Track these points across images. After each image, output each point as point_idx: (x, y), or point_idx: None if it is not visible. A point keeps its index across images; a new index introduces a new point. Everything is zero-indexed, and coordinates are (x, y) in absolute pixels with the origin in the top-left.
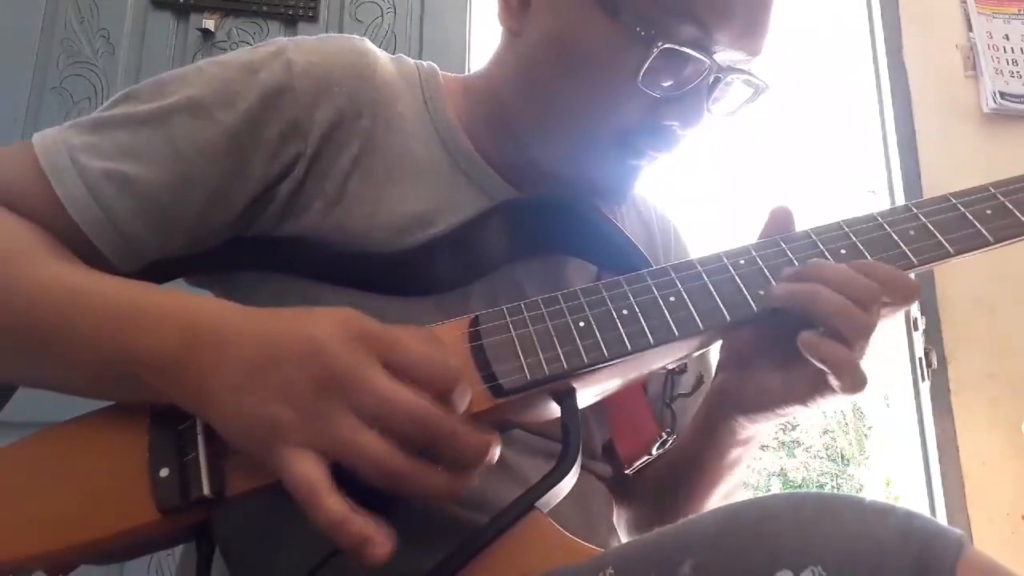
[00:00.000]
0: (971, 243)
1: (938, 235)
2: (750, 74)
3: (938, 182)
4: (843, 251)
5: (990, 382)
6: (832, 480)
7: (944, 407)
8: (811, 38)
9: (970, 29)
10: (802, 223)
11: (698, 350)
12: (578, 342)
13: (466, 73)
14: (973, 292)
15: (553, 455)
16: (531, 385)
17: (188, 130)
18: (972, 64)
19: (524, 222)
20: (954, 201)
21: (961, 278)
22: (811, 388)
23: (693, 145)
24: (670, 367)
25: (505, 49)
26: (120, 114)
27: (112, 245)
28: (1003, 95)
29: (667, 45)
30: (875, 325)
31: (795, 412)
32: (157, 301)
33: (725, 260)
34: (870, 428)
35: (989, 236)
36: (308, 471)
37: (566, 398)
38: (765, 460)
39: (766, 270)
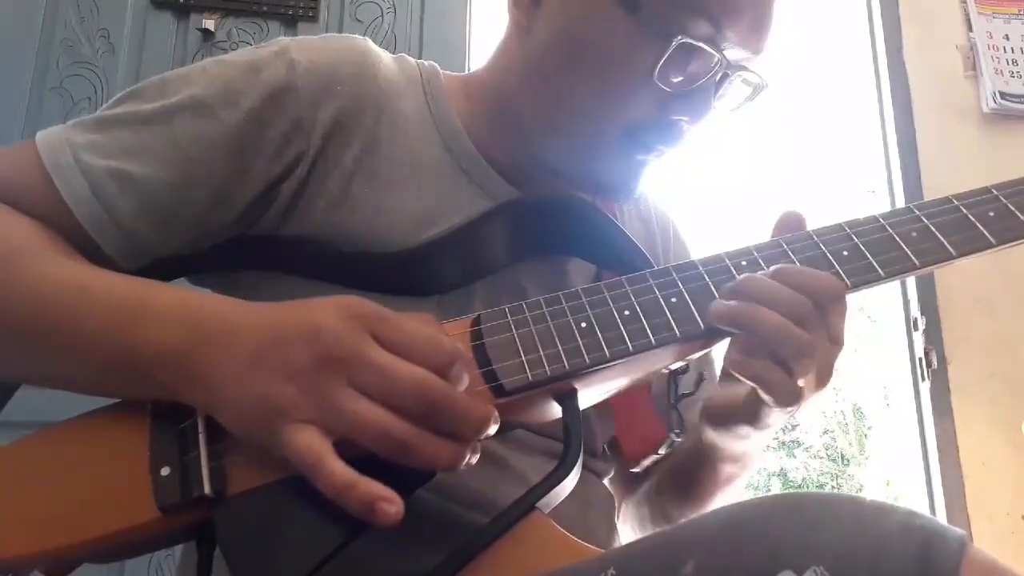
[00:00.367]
0: (974, 245)
1: (941, 237)
2: (755, 72)
3: (938, 182)
4: (845, 252)
5: (990, 382)
6: (832, 480)
7: (944, 407)
8: (811, 38)
9: (970, 29)
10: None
11: (700, 351)
12: (580, 342)
13: (466, 73)
14: (973, 292)
15: (554, 454)
16: (533, 385)
17: (191, 129)
18: (972, 64)
19: (526, 223)
20: (956, 203)
21: (961, 278)
22: (753, 405)
23: (695, 140)
24: (672, 367)
25: (511, 46)
26: (123, 113)
27: (115, 243)
28: (1003, 95)
29: (685, 39)
30: (814, 343)
31: (747, 431)
32: (162, 296)
33: (727, 261)
34: (870, 428)
35: (992, 238)
36: (311, 442)
37: (568, 398)
38: (765, 460)
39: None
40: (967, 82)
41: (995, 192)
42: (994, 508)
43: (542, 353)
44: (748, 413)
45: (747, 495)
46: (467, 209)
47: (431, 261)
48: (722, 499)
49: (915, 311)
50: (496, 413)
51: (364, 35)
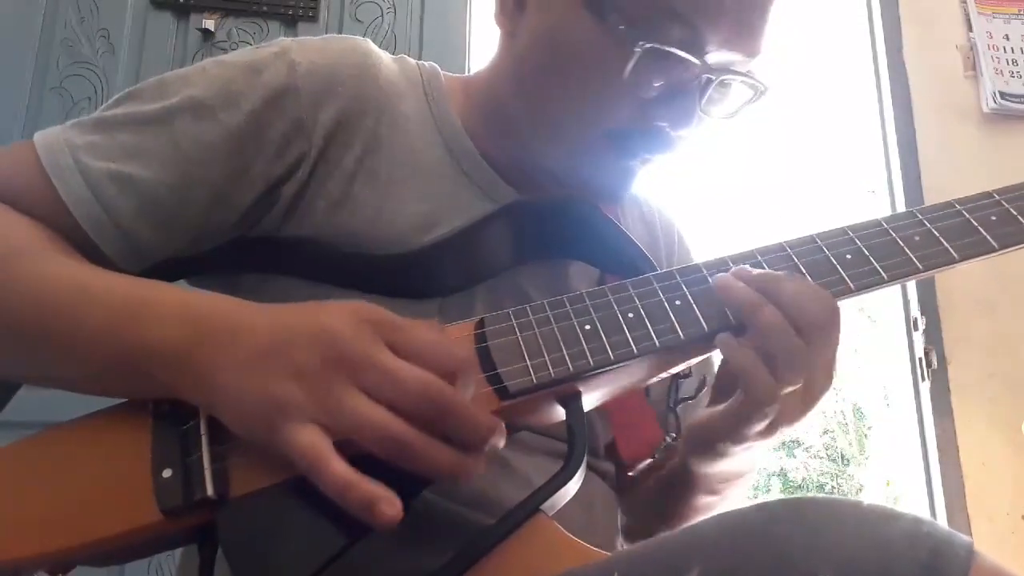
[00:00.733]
0: (976, 249)
1: (944, 241)
2: (746, 76)
3: (938, 182)
4: (848, 256)
5: (990, 382)
6: (832, 480)
7: (944, 407)
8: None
9: (970, 29)
10: (803, 223)
11: (703, 354)
12: (584, 345)
13: (466, 73)
14: (973, 292)
15: (557, 455)
16: (537, 388)
17: (191, 130)
18: (972, 64)
19: (528, 225)
20: (959, 207)
21: (961, 278)
22: (732, 412)
23: (691, 147)
24: (675, 371)
25: (502, 50)
26: (123, 114)
27: (114, 245)
28: (1003, 95)
29: (650, 45)
30: (807, 356)
31: (724, 447)
32: (163, 295)
33: (731, 264)
34: (870, 428)
35: (994, 243)
36: (312, 440)
37: (572, 401)
38: (765, 460)
39: None
40: (967, 82)
41: (997, 196)
42: (994, 508)
43: (546, 356)
44: (727, 423)
45: (747, 495)
46: (468, 211)
47: (433, 263)
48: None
49: (915, 311)
50: (502, 425)
51: (364, 35)
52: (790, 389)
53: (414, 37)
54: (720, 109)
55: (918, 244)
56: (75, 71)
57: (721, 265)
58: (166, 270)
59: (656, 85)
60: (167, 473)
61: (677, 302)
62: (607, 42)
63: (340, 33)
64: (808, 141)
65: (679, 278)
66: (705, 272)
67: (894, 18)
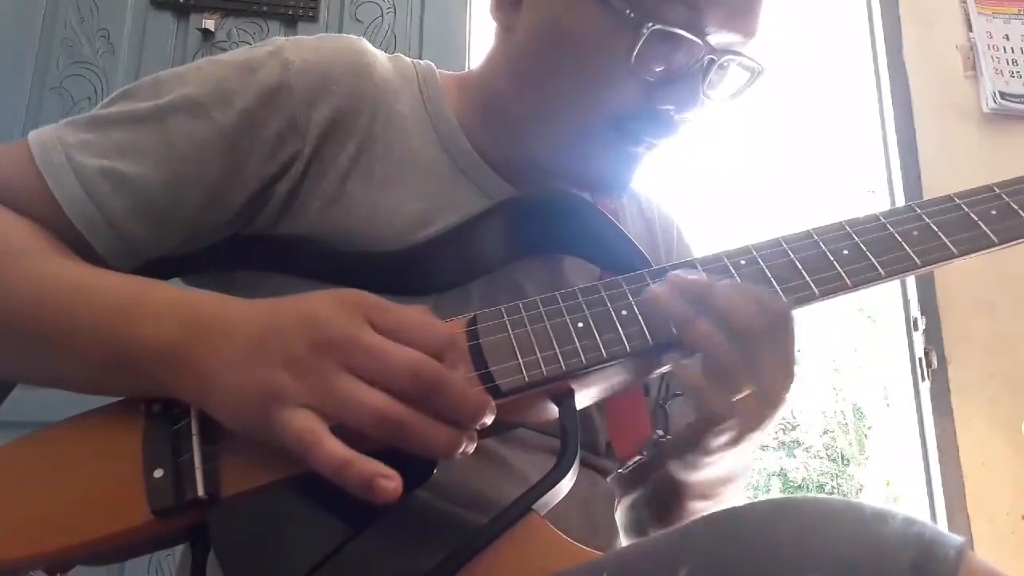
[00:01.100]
0: (976, 244)
1: (942, 236)
2: (746, 56)
3: (938, 182)
4: (845, 251)
5: (990, 382)
6: (832, 480)
7: (944, 407)
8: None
9: (970, 29)
10: (803, 223)
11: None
12: (576, 343)
13: (464, 72)
14: (973, 292)
15: (554, 451)
16: (529, 386)
17: (185, 129)
18: (972, 64)
19: (524, 221)
20: (958, 201)
21: (961, 278)
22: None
23: (693, 131)
24: (668, 368)
25: (498, 45)
26: (117, 112)
27: (107, 243)
28: (1003, 95)
29: (657, 26)
30: (747, 362)
31: (697, 459)
32: (158, 294)
33: (726, 260)
34: (870, 428)
35: (994, 237)
36: (307, 423)
37: (564, 399)
38: (765, 460)
39: (767, 270)
40: (967, 82)
41: (997, 190)
42: (994, 508)
43: (539, 354)
44: (691, 438)
45: (747, 495)
46: (464, 207)
47: (428, 260)
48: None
49: (915, 311)
50: (492, 403)
51: (364, 35)
52: (739, 397)
53: (414, 37)
54: (720, 91)
55: (916, 239)
56: (75, 71)
57: (716, 261)
58: (161, 269)
59: (659, 69)
60: (158, 473)
61: None
62: (612, 26)
63: (340, 33)
64: (808, 141)
65: None
66: (700, 268)
67: (894, 18)
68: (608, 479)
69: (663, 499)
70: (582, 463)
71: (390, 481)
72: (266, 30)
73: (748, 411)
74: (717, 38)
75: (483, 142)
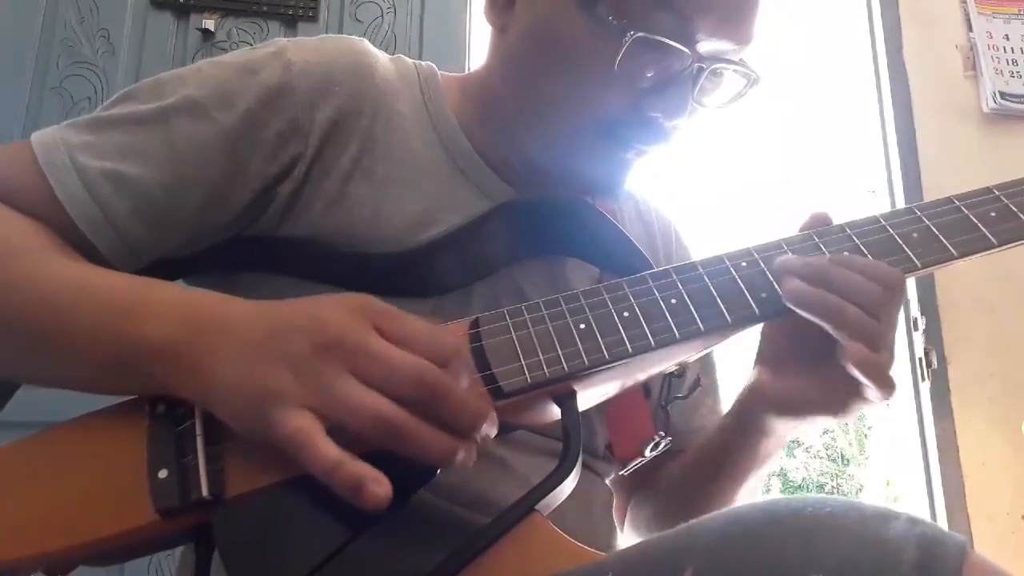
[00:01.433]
0: (975, 246)
1: (942, 238)
2: (738, 64)
3: (938, 182)
4: (846, 253)
5: (990, 382)
6: (832, 480)
7: (944, 407)
8: (811, 38)
9: (970, 29)
10: (801, 223)
11: (699, 352)
12: (579, 344)
13: (465, 73)
14: (973, 292)
15: (554, 454)
16: (531, 387)
17: (187, 130)
18: (972, 64)
19: (525, 223)
20: (957, 203)
21: (961, 278)
22: (843, 398)
23: (685, 138)
24: (670, 370)
25: (494, 46)
26: (119, 114)
27: (109, 244)
28: (1003, 95)
29: (640, 34)
30: (886, 334)
31: (822, 422)
32: (160, 293)
33: (727, 262)
34: (870, 428)
35: (993, 239)
36: (302, 423)
37: (567, 400)
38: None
39: (768, 272)
40: (967, 82)
41: (996, 192)
42: (994, 508)
43: (541, 356)
44: (831, 404)
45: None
46: (465, 209)
47: (430, 262)
48: (755, 477)
49: (915, 311)
50: (494, 413)
51: (364, 35)
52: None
53: (414, 37)
54: (713, 99)
55: (916, 241)
56: (75, 71)
57: (717, 263)
58: (163, 269)
59: (648, 75)
60: (163, 474)
61: (673, 301)
62: (596, 33)
63: (340, 33)
64: (808, 141)
65: (675, 276)
66: (702, 270)
67: (894, 18)
68: (607, 482)
69: (726, 449)
70: (582, 465)
71: (379, 487)
72: (266, 30)
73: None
74: (707, 46)
75: (483, 143)
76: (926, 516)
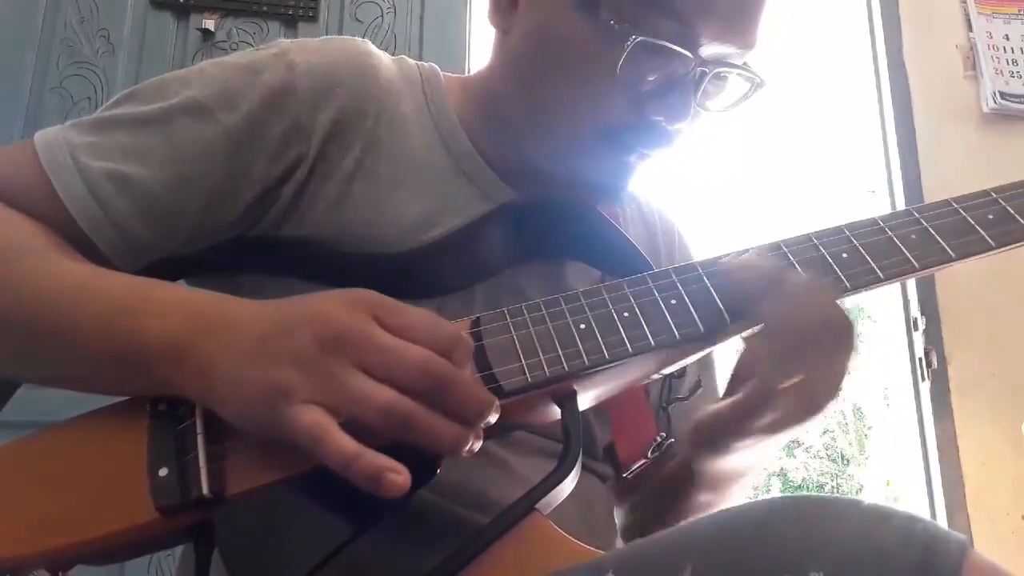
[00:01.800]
0: (973, 248)
1: (940, 240)
2: (741, 68)
3: (938, 182)
4: (844, 255)
5: (990, 382)
6: (832, 480)
7: (944, 407)
8: (811, 38)
9: (970, 29)
10: (802, 223)
11: (698, 353)
12: (579, 344)
13: (466, 73)
14: (973, 293)
15: (554, 455)
16: (532, 387)
17: (189, 131)
18: (972, 64)
19: (526, 225)
20: (956, 206)
21: (961, 279)
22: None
23: (689, 142)
24: (670, 371)
25: (497, 49)
26: (121, 114)
27: (112, 244)
28: (1003, 95)
29: (641, 38)
30: (810, 356)
31: (733, 443)
32: (163, 292)
33: None
34: (870, 428)
35: (991, 241)
36: (315, 418)
37: (567, 400)
38: (769, 463)
39: None
40: (967, 82)
41: (994, 195)
42: (994, 508)
43: (541, 355)
44: (734, 415)
45: (748, 495)
46: (467, 210)
47: (431, 263)
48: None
49: (915, 311)
50: (498, 401)
51: (364, 35)
52: (790, 382)
53: (414, 37)
54: (717, 103)
55: (915, 243)
56: (75, 71)
57: (716, 264)
58: (165, 270)
59: (650, 80)
60: (163, 472)
61: (673, 301)
62: (598, 38)
63: (340, 33)
64: (808, 141)
65: (675, 277)
66: (701, 271)
67: (894, 18)
68: (606, 483)
69: (669, 494)
70: (581, 467)
71: (398, 475)
72: (266, 30)
73: (793, 401)
74: (710, 50)
75: (485, 145)
76: (926, 516)
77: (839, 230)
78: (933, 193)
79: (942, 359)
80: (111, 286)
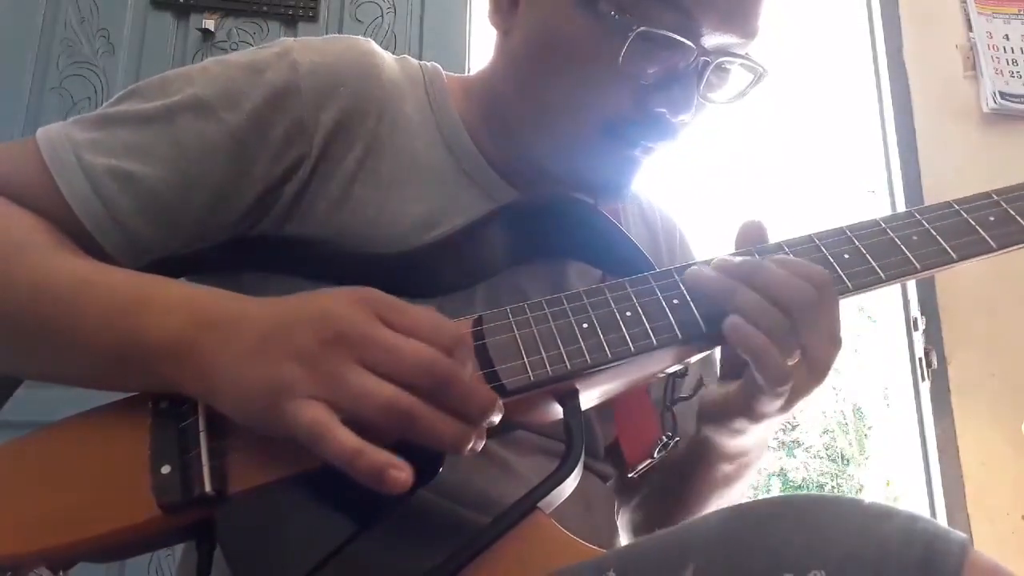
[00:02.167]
0: (974, 249)
1: (941, 241)
2: (744, 58)
3: (938, 182)
4: (846, 255)
5: (990, 382)
6: (832, 480)
7: (944, 407)
8: (811, 38)
9: (970, 29)
10: (802, 223)
11: (701, 353)
12: (581, 343)
13: (466, 74)
14: (973, 292)
15: (555, 454)
16: (534, 386)
17: (192, 129)
18: (972, 64)
19: (528, 225)
20: (957, 207)
21: (961, 278)
22: (748, 395)
23: (693, 134)
24: (672, 370)
25: (498, 48)
26: (124, 111)
27: (114, 241)
28: (1003, 95)
29: (643, 28)
30: (795, 331)
31: (742, 424)
32: (165, 289)
33: None
34: (870, 428)
35: (992, 242)
36: (318, 414)
37: (569, 399)
38: (765, 460)
39: None
40: (967, 82)
41: (995, 197)
42: (994, 508)
43: (544, 354)
44: (742, 402)
45: (748, 495)
46: (468, 210)
47: (433, 263)
48: (719, 502)
49: (915, 311)
50: (500, 400)
51: (364, 35)
52: (791, 362)
53: (414, 37)
54: (720, 94)
55: (916, 244)
56: (75, 71)
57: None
58: (166, 268)
59: (652, 71)
60: (166, 469)
61: (675, 301)
62: (599, 31)
63: (340, 33)
64: (808, 141)
65: (677, 277)
66: None
67: (894, 18)
68: (608, 484)
69: (686, 471)
70: (583, 466)
71: (400, 472)
72: (266, 30)
73: (799, 377)
74: (712, 40)
75: (488, 145)
76: (922, 513)
77: (840, 231)
78: (933, 193)
79: (942, 359)
80: (113, 282)
